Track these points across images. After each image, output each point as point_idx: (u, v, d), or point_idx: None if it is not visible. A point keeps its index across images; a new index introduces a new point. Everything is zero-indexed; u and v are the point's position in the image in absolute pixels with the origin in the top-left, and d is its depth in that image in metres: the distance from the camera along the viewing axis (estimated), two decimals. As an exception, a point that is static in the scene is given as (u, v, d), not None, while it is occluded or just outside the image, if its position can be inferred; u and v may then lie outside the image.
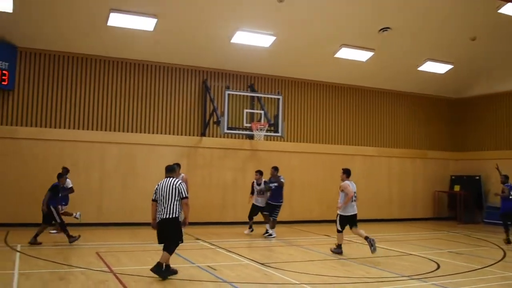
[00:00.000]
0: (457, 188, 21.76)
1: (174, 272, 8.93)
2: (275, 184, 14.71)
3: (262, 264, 10.36)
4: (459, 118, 23.22)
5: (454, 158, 22.86)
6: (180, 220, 8.93)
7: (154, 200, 9.03)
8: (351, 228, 11.82)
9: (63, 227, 12.50)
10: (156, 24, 15.23)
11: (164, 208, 8.81)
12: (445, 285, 8.72)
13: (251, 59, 17.86)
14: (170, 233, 8.86)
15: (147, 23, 15.24)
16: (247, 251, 12.27)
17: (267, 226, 14.87)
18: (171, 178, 9.06)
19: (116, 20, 14.94)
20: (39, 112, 16.05)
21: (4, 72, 15.21)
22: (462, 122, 23.12)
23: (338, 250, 11.98)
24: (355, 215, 11.86)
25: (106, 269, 9.43)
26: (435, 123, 22.85)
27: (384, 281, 8.98)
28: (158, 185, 9.06)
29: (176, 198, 8.82)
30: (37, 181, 15.51)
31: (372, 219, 20.37)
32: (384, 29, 16.77)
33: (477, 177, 21.47)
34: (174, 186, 8.85)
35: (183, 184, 9.00)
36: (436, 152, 22.60)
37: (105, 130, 16.72)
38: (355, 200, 11.93)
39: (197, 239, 14.07)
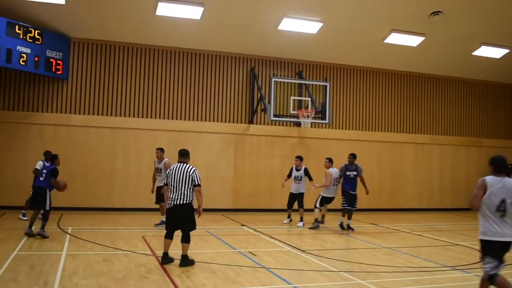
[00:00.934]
0: (514, 177, 20.97)
1: (192, 262, 8.72)
2: (354, 172, 13.72)
3: (303, 251, 10.37)
4: (517, 105, 22.41)
5: (510, 146, 22.05)
6: (193, 206, 8.74)
7: (166, 185, 8.87)
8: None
9: (47, 216, 11.22)
10: (203, 12, 15.38)
11: (177, 194, 8.63)
12: (489, 276, 8.47)
13: (298, 45, 17.76)
14: (184, 220, 8.70)
15: (194, 12, 15.41)
16: (290, 238, 12.31)
17: (348, 221, 13.71)
18: (185, 164, 8.84)
19: (164, 9, 15.19)
20: (92, 100, 16.59)
21: (58, 62, 15.77)
22: (520, 109, 22.31)
23: (315, 224, 13.80)
24: (333, 198, 13.96)
25: (149, 253, 9.69)
26: (491, 110, 22.09)
27: (425, 271, 8.82)
28: (170, 169, 8.89)
29: (189, 185, 8.62)
30: (89, 167, 16.12)
31: (423, 208, 20.02)
32: (435, 13, 16.27)
33: (536, 166, 20.63)
34: (188, 173, 8.64)
35: (198, 171, 8.78)
36: (492, 140, 21.86)
37: (155, 117, 17.10)
38: (336, 184, 13.81)
39: (242, 225, 14.21)
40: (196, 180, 8.67)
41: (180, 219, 8.73)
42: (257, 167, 18.01)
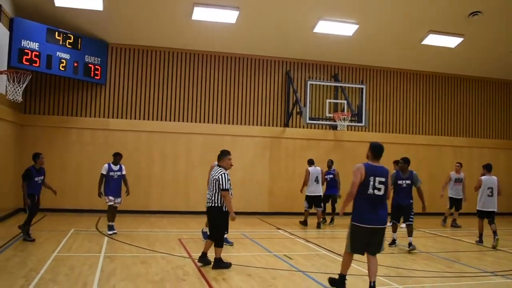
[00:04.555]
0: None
1: (227, 265, 8.66)
2: (407, 181, 11.39)
3: (339, 255, 10.26)
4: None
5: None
6: (224, 210, 8.57)
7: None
8: None
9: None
10: (238, 16, 15.45)
11: (209, 197, 8.65)
12: (532, 282, 8.25)
13: (334, 48, 17.66)
14: (212, 223, 8.76)
15: (229, 16, 15.51)
16: (326, 241, 12.21)
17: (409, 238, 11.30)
18: (217, 166, 8.80)
19: (200, 14, 15.32)
20: (129, 104, 16.85)
21: (96, 67, 16.06)
22: None
23: None
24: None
25: (186, 255, 9.76)
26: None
27: (464, 276, 8.63)
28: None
29: (216, 189, 8.54)
30: (126, 170, 16.28)
31: (462, 212, 19.52)
32: (474, 13, 15.94)
33: None
34: (215, 176, 8.58)
35: (225, 175, 8.55)
36: (534, 143, 21.28)
37: (191, 121, 17.25)
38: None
39: (278, 228, 14.19)
40: (222, 184, 8.49)
41: (209, 222, 8.85)
42: (292, 170, 17.92)
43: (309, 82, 16.29)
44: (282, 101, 18.19)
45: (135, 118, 16.84)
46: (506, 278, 8.55)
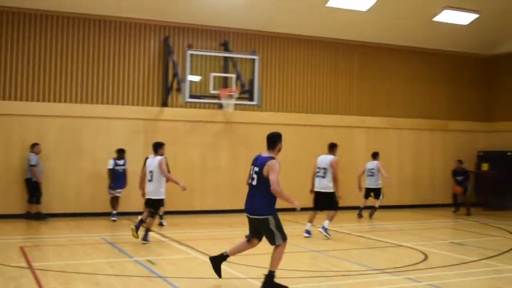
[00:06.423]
0: (485, 166, 22.21)
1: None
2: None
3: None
4: (489, 81, 23.67)
5: (482, 129, 23.37)
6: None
7: None
8: None
9: None
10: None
11: None
12: (421, 279, 9.33)
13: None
14: None
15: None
16: (201, 243, 12.84)
17: None
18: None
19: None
20: None
21: None
22: (494, 86, 23.58)
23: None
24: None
25: (25, 265, 10.02)
26: (459, 87, 23.16)
27: (348, 275, 9.64)
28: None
29: None
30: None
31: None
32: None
33: (510, 153, 21.88)
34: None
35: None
36: (460, 122, 23.00)
37: (42, 100, 17.22)
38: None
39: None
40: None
41: None
42: (173, 160, 17.96)
43: (189, 52, 16.70)
44: (159, 75, 18.61)
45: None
46: (394, 275, 9.64)
